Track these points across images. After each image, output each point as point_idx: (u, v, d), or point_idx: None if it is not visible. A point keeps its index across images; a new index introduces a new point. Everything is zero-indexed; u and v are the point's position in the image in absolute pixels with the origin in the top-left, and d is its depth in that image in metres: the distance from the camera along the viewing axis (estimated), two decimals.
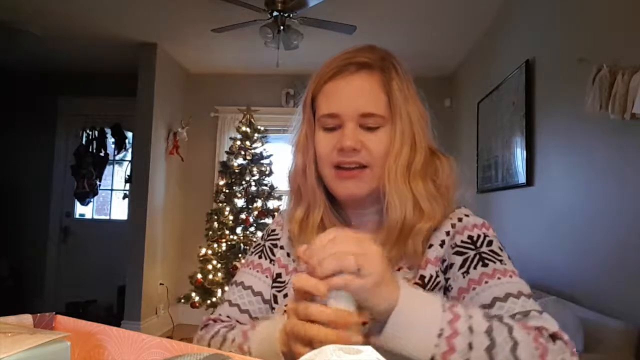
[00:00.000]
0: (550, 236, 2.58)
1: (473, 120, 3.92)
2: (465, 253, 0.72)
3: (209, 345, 0.74)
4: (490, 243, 0.73)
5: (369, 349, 0.41)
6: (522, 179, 2.88)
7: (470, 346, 0.56)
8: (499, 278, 0.68)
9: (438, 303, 0.59)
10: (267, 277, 0.85)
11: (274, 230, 0.91)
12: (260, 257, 0.88)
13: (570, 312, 1.91)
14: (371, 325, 0.59)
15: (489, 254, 0.71)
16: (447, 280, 0.73)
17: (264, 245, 0.89)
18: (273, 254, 0.87)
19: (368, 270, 0.54)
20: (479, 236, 0.74)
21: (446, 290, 0.73)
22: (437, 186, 0.77)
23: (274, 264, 0.86)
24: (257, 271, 0.86)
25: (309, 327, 0.54)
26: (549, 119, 2.63)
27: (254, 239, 3.95)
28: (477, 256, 0.71)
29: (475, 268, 0.70)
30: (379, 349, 0.54)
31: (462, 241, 0.73)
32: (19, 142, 5.14)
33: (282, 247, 0.87)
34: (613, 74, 1.79)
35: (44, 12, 3.64)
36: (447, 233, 0.75)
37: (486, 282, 0.68)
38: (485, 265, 0.70)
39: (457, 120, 4.57)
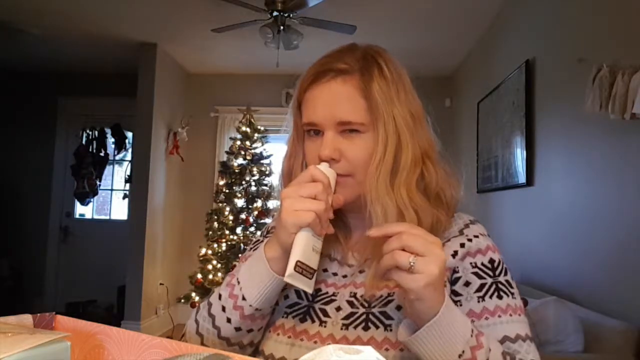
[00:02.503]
0: (551, 236, 2.58)
1: (473, 120, 3.92)
2: (484, 278, 0.71)
3: (196, 322, 0.75)
4: (506, 272, 0.73)
5: (369, 349, 0.41)
6: (522, 179, 2.88)
7: None
8: (510, 315, 0.70)
9: (469, 327, 0.62)
10: None
11: (274, 227, 0.90)
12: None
13: (570, 312, 1.91)
14: (401, 321, 0.65)
15: (505, 285, 0.72)
16: (453, 290, 0.72)
17: (261, 242, 0.88)
18: None
19: (421, 269, 0.58)
20: (498, 262, 0.73)
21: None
22: (428, 191, 0.75)
23: None
24: None
25: (296, 201, 0.66)
26: (549, 119, 2.63)
27: (254, 239, 3.96)
28: (494, 285, 0.71)
29: (491, 298, 0.70)
30: (400, 344, 0.65)
31: (482, 264, 0.72)
32: (19, 142, 5.14)
33: None
34: (613, 74, 1.79)
35: (44, 12, 3.64)
36: (462, 245, 0.73)
37: (499, 317, 0.69)
38: (500, 297, 0.70)
39: (457, 120, 4.57)
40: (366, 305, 0.73)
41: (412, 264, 0.58)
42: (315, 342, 0.71)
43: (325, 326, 0.73)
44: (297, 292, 0.77)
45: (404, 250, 0.59)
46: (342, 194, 0.73)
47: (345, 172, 0.73)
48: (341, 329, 0.72)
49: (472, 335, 0.61)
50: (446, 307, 0.60)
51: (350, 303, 0.74)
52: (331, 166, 0.73)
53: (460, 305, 0.71)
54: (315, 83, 0.76)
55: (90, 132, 5.14)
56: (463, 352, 0.60)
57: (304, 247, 0.66)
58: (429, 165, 0.76)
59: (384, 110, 0.73)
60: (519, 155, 2.93)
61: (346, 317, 0.73)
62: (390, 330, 0.69)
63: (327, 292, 0.76)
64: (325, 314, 0.74)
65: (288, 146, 0.83)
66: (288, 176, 0.81)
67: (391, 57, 0.78)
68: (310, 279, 0.67)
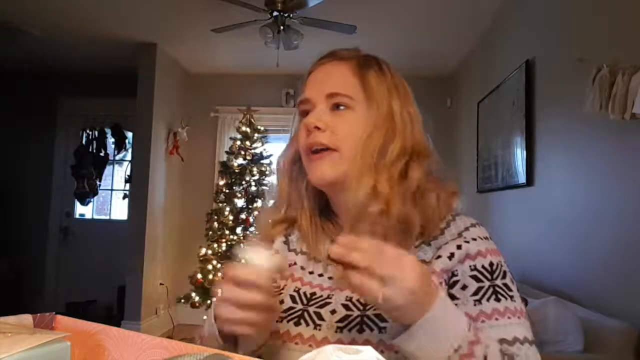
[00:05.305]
0: (550, 236, 2.58)
1: (473, 120, 3.92)
2: (481, 281, 0.70)
3: None
4: (504, 275, 0.72)
5: (368, 349, 0.41)
6: (522, 179, 2.88)
7: None
8: (508, 318, 0.68)
9: (464, 321, 0.60)
10: None
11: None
12: None
13: (570, 312, 1.91)
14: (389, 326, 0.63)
15: (502, 288, 0.70)
16: (450, 294, 0.71)
17: None
18: None
19: (392, 298, 0.55)
20: (497, 265, 0.72)
21: None
22: (407, 188, 0.73)
23: None
24: None
25: (231, 310, 0.61)
26: (549, 119, 2.63)
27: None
28: (491, 288, 0.70)
29: (488, 301, 0.69)
30: (390, 345, 0.61)
31: (483, 266, 0.71)
32: (19, 142, 5.14)
33: (276, 252, 0.85)
34: (613, 74, 1.79)
35: (44, 12, 3.64)
36: (459, 247, 0.72)
37: (496, 319, 0.68)
38: (497, 300, 0.69)
39: (457, 120, 4.57)
40: (361, 308, 0.72)
41: (380, 300, 0.54)
42: (310, 346, 0.71)
43: (319, 329, 0.73)
44: (292, 297, 0.77)
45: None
46: (327, 169, 0.75)
47: (329, 143, 0.74)
48: (336, 331, 0.72)
49: (469, 330, 0.60)
50: (439, 302, 0.58)
51: (346, 306, 0.73)
52: (315, 137, 0.74)
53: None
54: (315, 67, 0.81)
55: (90, 132, 5.14)
56: (459, 347, 0.58)
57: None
58: (415, 164, 0.75)
59: (379, 95, 0.75)
60: (519, 155, 2.93)
61: (341, 320, 0.72)
62: (385, 332, 0.69)
63: (321, 296, 0.76)
64: (320, 317, 0.73)
65: (289, 138, 0.86)
66: (282, 163, 0.84)
67: (391, 66, 0.81)
68: None
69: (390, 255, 0.56)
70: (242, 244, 3.96)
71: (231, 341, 0.67)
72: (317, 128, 0.74)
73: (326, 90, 0.76)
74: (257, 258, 0.61)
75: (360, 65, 0.78)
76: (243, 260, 0.61)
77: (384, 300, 0.55)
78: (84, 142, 5.11)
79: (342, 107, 0.76)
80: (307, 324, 0.73)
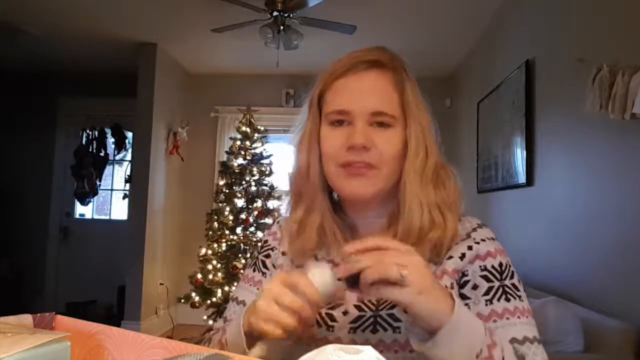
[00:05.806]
0: (550, 236, 2.58)
1: (473, 120, 3.92)
2: (492, 281, 0.72)
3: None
4: (512, 275, 0.73)
5: (368, 349, 0.41)
6: (522, 179, 2.88)
7: None
8: (518, 317, 0.70)
9: (482, 325, 0.62)
10: (258, 289, 0.84)
11: (266, 242, 0.90)
12: (254, 270, 0.87)
13: (570, 312, 1.91)
14: (409, 329, 0.63)
15: (511, 288, 0.72)
16: (461, 294, 0.72)
17: (257, 258, 0.89)
18: (265, 267, 0.87)
19: (409, 280, 0.57)
20: (506, 266, 0.73)
21: None
22: (446, 197, 0.76)
23: (265, 276, 0.86)
24: (250, 285, 0.86)
25: (273, 306, 0.60)
26: (549, 119, 2.63)
27: (254, 239, 3.96)
28: (501, 289, 0.71)
29: (499, 300, 0.70)
30: (415, 352, 0.62)
31: (492, 267, 0.73)
32: (19, 142, 5.14)
33: (284, 253, 0.85)
34: (613, 74, 1.79)
35: (44, 12, 3.64)
36: (470, 247, 0.74)
37: (507, 319, 0.69)
38: (507, 300, 0.71)
39: (457, 120, 4.57)
40: (374, 308, 0.72)
41: (403, 277, 0.57)
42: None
43: (332, 331, 0.73)
44: None
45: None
46: (366, 187, 0.75)
47: (374, 162, 0.74)
48: (349, 332, 0.72)
49: (486, 334, 0.61)
50: (459, 307, 0.60)
51: (358, 307, 0.73)
52: (360, 155, 0.73)
53: (469, 308, 0.71)
54: (348, 73, 0.77)
55: (90, 132, 5.14)
56: (481, 350, 0.59)
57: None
58: (445, 175, 0.78)
59: (414, 111, 0.75)
60: (519, 155, 2.93)
61: (354, 321, 0.72)
62: (399, 332, 0.69)
63: None
64: (332, 319, 0.73)
65: (302, 140, 0.82)
66: (306, 171, 0.80)
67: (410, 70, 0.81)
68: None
69: (401, 247, 0.61)
70: (242, 244, 3.96)
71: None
72: (364, 147, 0.74)
73: (372, 107, 0.74)
74: (320, 276, 0.62)
75: (396, 72, 0.77)
76: (309, 273, 0.62)
77: (404, 291, 0.57)
78: (84, 142, 5.11)
79: (384, 125, 0.75)
80: (320, 325, 0.73)
